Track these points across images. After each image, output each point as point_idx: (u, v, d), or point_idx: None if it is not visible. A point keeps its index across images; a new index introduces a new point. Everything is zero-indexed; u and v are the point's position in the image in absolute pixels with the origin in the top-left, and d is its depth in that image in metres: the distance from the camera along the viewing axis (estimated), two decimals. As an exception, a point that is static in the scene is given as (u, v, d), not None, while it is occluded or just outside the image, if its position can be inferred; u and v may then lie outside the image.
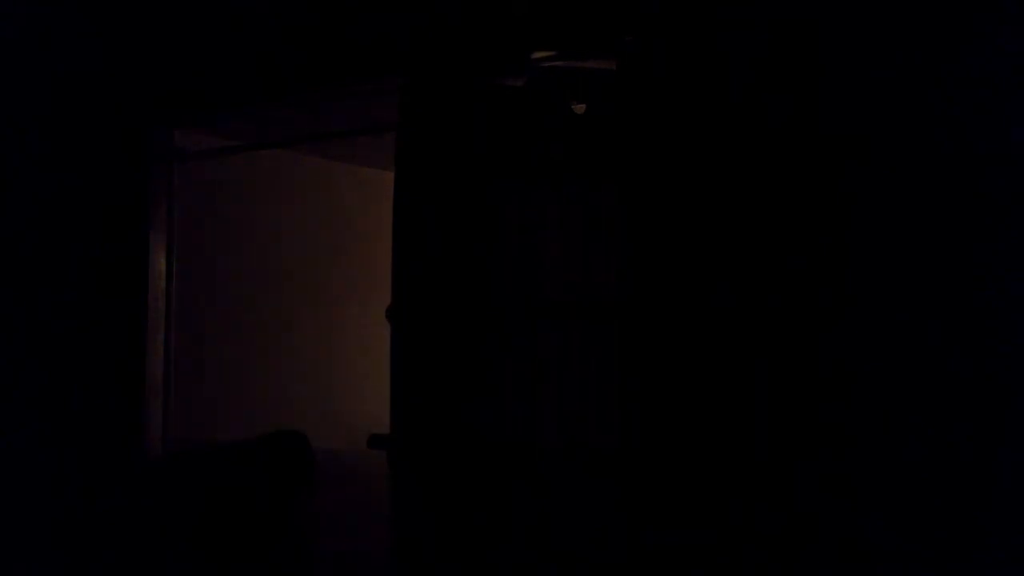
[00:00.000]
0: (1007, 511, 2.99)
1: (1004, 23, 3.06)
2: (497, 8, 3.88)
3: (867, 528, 3.16)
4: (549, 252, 3.89)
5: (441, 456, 3.93)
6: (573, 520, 3.72)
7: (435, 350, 3.96)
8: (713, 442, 3.39)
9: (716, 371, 3.40)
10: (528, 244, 3.90)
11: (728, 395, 3.37)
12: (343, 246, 6.39)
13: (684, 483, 3.43)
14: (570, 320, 3.84)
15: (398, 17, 4.12)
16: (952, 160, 3.11)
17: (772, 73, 3.37)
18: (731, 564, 3.32)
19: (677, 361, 3.48)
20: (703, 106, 3.48)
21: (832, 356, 3.24)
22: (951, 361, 3.07)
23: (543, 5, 3.80)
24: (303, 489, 4.12)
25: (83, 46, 4.93)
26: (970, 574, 3.02)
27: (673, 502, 3.44)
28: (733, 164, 3.42)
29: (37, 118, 5.02)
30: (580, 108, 3.79)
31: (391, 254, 4.09)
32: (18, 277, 4.99)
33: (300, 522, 4.12)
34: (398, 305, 4.04)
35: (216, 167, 5.31)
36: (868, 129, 3.24)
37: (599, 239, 3.83)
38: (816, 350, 3.26)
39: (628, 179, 3.63)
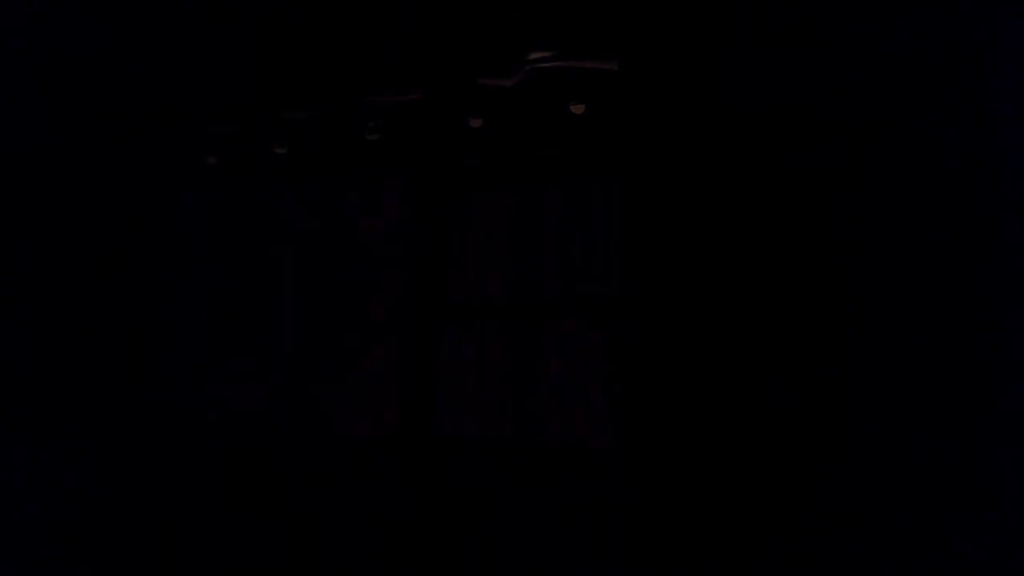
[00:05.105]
0: (1006, 510, 2.99)
1: (1005, 23, 3.06)
2: (497, 9, 3.89)
3: (869, 529, 3.17)
4: (549, 252, 3.89)
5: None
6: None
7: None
8: (717, 442, 3.39)
9: (719, 370, 3.40)
10: (528, 244, 3.91)
11: (731, 394, 3.37)
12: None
13: (687, 485, 3.44)
14: (570, 319, 3.84)
15: (398, 18, 4.12)
16: (952, 160, 3.12)
17: (772, 72, 3.37)
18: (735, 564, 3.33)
19: (679, 360, 3.48)
20: (703, 105, 3.48)
21: (834, 355, 3.25)
22: (951, 362, 3.08)
23: (543, 6, 3.80)
24: None
25: (85, 47, 4.93)
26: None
27: (676, 504, 3.44)
28: (733, 164, 3.42)
29: (38, 118, 5.02)
30: (580, 108, 3.79)
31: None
32: (18, 277, 4.98)
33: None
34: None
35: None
36: (869, 127, 3.24)
37: (599, 238, 3.82)
38: (819, 349, 3.27)
39: (628, 179, 3.64)
